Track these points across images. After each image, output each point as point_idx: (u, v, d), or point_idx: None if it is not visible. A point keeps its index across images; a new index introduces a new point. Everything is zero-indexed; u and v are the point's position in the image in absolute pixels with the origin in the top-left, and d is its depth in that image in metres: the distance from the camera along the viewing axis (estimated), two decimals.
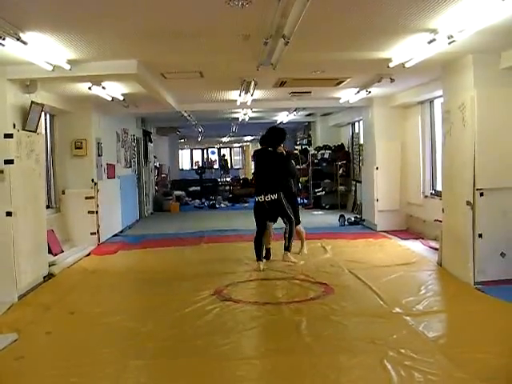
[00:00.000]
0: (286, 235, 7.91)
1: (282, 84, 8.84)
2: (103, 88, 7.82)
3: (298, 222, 8.06)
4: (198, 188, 20.66)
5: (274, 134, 8.00)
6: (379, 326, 5.04)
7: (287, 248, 7.92)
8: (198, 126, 18.05)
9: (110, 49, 5.90)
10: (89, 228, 9.60)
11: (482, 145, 6.25)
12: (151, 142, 16.76)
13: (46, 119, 8.93)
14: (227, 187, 22.08)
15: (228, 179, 24.88)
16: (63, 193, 9.58)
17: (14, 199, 6.30)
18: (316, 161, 16.04)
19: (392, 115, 10.79)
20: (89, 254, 9.04)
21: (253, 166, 31.33)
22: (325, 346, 4.59)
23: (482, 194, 6.28)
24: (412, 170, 10.56)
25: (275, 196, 7.65)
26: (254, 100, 10.22)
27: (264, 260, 7.83)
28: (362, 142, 12.91)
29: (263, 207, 7.78)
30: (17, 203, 6.33)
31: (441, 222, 7.51)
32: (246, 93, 9.23)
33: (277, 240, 8.37)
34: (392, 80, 7.94)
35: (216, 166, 31.74)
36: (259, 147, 8.35)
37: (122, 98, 8.93)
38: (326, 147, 16.16)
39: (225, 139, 28.80)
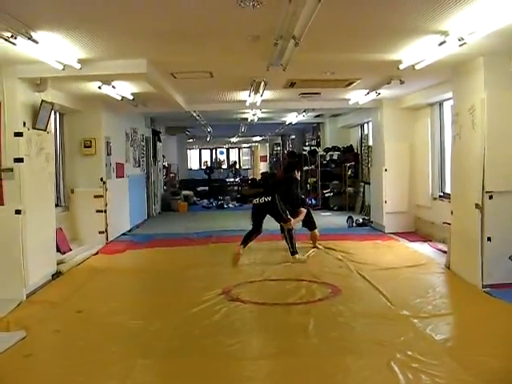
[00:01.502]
0: (287, 241, 8.24)
1: (291, 85, 8.84)
2: (113, 87, 7.85)
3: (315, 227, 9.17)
4: (207, 188, 20.65)
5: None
6: (386, 328, 5.02)
7: (293, 253, 8.18)
8: (206, 126, 18.07)
9: (120, 48, 5.93)
10: (97, 227, 9.63)
11: (492, 147, 6.20)
12: (160, 142, 16.79)
13: (55, 118, 8.96)
14: (235, 187, 22.08)
15: (236, 179, 24.88)
16: (72, 191, 9.63)
17: (23, 197, 6.33)
18: (325, 162, 16.02)
19: (401, 117, 10.76)
20: (97, 253, 9.07)
21: (262, 168, 31.63)
22: (332, 347, 4.59)
23: (491, 197, 6.24)
24: (421, 172, 10.52)
25: (269, 198, 8.12)
26: (263, 101, 10.23)
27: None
28: (370, 143, 12.88)
29: (257, 209, 8.30)
30: (26, 201, 6.36)
31: (449, 224, 7.47)
32: (255, 93, 9.23)
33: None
34: (402, 82, 7.92)
35: (224, 165, 31.81)
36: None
37: (131, 97, 8.96)
38: (334, 148, 16.17)
39: (234, 139, 28.83)
